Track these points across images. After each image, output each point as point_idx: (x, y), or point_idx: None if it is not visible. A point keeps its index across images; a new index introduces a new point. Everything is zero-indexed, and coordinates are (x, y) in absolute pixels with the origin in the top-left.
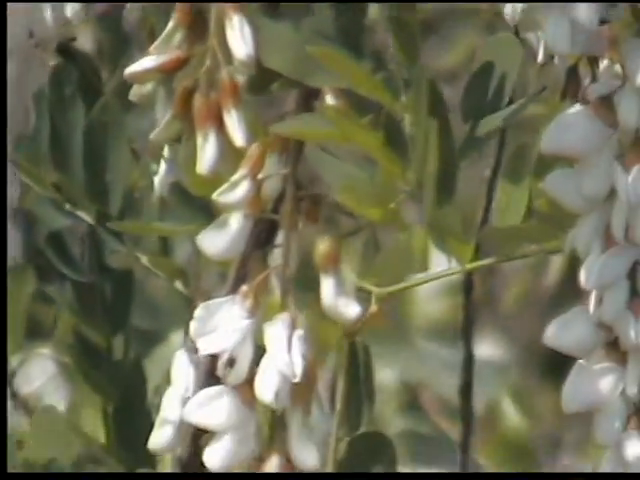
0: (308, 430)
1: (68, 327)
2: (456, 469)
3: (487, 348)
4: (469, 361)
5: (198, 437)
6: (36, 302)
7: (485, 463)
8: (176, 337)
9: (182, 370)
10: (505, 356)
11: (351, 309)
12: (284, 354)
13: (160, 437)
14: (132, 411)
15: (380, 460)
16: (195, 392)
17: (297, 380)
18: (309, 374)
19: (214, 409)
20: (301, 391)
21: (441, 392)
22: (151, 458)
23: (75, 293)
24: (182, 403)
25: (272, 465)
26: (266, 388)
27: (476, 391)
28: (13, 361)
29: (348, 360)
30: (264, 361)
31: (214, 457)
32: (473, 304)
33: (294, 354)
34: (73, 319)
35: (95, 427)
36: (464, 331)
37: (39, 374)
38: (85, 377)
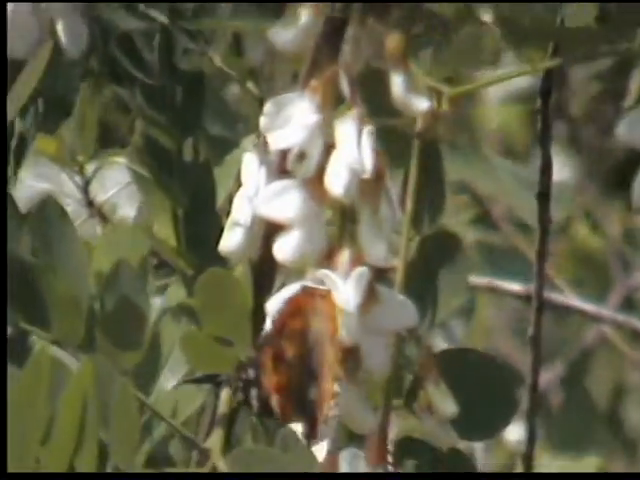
0: (377, 225)
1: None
2: (531, 281)
3: (558, 162)
4: (547, 164)
5: (270, 238)
6: (113, 110)
7: (558, 278)
8: (247, 141)
9: (252, 172)
10: (576, 170)
11: (421, 103)
12: (354, 149)
13: (230, 240)
14: (202, 214)
15: (451, 261)
16: None
17: (367, 175)
18: (378, 170)
19: (284, 202)
20: (370, 186)
21: (512, 206)
22: (221, 261)
23: (145, 96)
24: (252, 205)
25: (342, 259)
26: (336, 182)
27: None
28: (88, 169)
29: (419, 159)
30: (334, 156)
31: (284, 250)
32: (550, 110)
33: (364, 149)
34: (144, 123)
35: (166, 231)
36: (541, 137)
37: (113, 182)
38: (155, 181)
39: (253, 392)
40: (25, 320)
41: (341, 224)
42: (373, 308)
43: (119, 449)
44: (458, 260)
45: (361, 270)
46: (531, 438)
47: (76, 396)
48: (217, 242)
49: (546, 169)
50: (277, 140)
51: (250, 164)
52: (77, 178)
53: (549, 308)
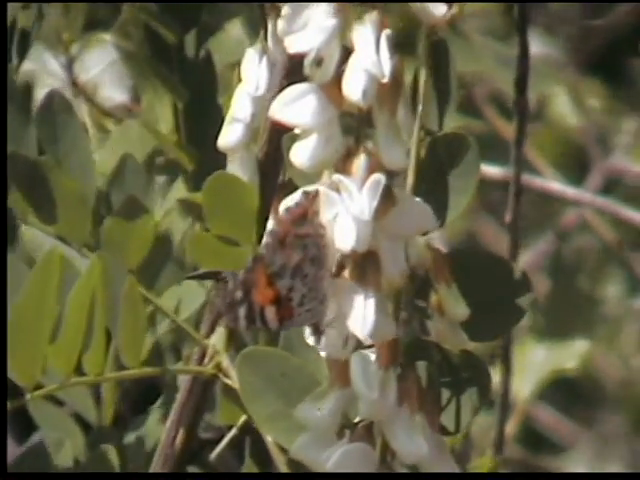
0: (395, 129)
1: (132, 15)
2: (509, 165)
3: (540, 46)
4: (524, 51)
5: (273, 138)
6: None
7: (537, 158)
8: (235, 30)
9: (253, 68)
10: (558, 53)
11: (438, 8)
12: (373, 54)
13: (229, 135)
14: (203, 109)
15: (461, 161)
16: (267, 90)
17: (385, 80)
18: (396, 74)
19: (300, 107)
20: (388, 91)
21: (495, 87)
22: (221, 156)
23: None
24: (252, 101)
25: (359, 164)
26: (354, 86)
27: (530, 88)
28: (72, 48)
29: (429, 59)
30: (352, 60)
31: (301, 156)
32: None
33: (382, 54)
34: (144, 15)
35: (166, 125)
36: (519, 23)
37: (98, 61)
38: (156, 75)
39: (241, 311)
40: (32, 217)
41: (358, 129)
42: (390, 213)
43: (125, 347)
44: (468, 160)
45: (377, 177)
46: None
47: (84, 294)
48: (217, 137)
49: (523, 56)
50: (295, 43)
51: (251, 61)
52: (61, 57)
53: (528, 192)
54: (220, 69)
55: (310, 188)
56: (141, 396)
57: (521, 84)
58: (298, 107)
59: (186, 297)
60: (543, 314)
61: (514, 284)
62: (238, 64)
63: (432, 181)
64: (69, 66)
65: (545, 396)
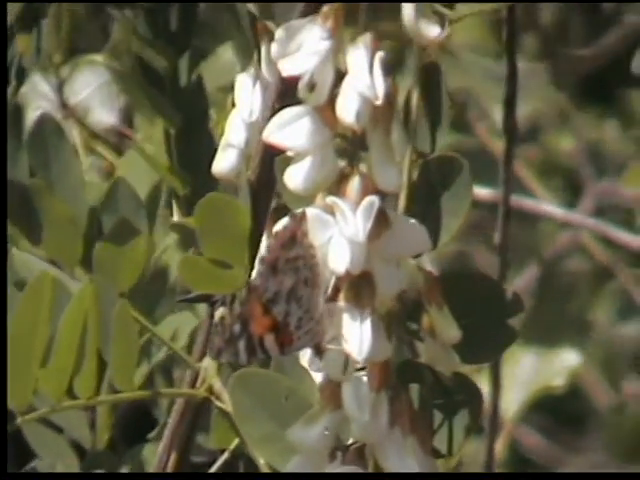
0: (389, 151)
1: (124, 38)
2: (498, 183)
3: (528, 64)
4: (513, 73)
5: (266, 161)
6: (89, 19)
7: (526, 176)
8: (226, 54)
9: (246, 94)
10: (547, 71)
11: (431, 29)
12: (366, 76)
13: (223, 161)
14: (195, 134)
15: (453, 184)
16: (262, 115)
17: (378, 102)
18: (390, 96)
19: (294, 130)
20: (381, 113)
21: (485, 105)
22: (214, 182)
23: (142, 16)
24: (246, 127)
25: (353, 186)
26: (347, 109)
27: (519, 104)
28: (63, 71)
29: (421, 81)
30: (345, 82)
31: (295, 179)
32: (516, 20)
33: (376, 76)
34: (135, 42)
35: (158, 150)
36: (507, 45)
37: (88, 83)
38: (148, 99)
39: (241, 345)
40: (24, 240)
41: (351, 151)
42: (384, 234)
43: (118, 370)
44: (460, 182)
45: (371, 199)
46: None
47: (76, 317)
48: (211, 162)
49: (512, 75)
50: (288, 66)
51: (244, 86)
52: (52, 79)
53: (519, 214)
54: (212, 92)
55: (297, 211)
56: (135, 424)
57: (509, 104)
58: (292, 130)
59: (180, 325)
60: (531, 331)
61: (506, 306)
62: (231, 87)
63: (424, 203)
64: (59, 88)
65: (533, 419)
